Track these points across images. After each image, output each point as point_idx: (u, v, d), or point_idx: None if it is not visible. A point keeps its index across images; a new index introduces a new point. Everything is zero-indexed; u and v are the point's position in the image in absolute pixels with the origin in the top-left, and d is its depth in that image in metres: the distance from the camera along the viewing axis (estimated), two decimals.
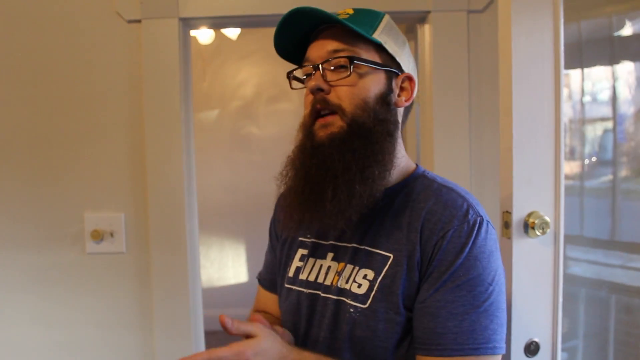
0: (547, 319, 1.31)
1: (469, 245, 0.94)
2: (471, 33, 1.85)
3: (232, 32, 3.83)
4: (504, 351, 0.95)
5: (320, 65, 1.01)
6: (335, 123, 0.99)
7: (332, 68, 1.01)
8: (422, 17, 1.91)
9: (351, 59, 0.99)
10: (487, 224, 0.98)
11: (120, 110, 1.87)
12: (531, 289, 1.29)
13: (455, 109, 1.86)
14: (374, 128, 0.99)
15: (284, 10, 1.79)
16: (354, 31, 0.99)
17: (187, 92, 1.95)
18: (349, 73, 0.99)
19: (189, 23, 1.90)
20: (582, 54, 1.95)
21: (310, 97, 1.03)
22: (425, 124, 1.96)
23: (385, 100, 1.03)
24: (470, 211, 0.98)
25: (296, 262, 1.14)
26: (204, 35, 3.78)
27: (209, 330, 2.08)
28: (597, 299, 1.96)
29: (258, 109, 4.42)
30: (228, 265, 4.53)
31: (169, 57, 1.84)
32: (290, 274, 1.14)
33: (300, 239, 1.16)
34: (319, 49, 1.02)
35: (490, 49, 1.82)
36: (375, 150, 0.99)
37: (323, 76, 1.01)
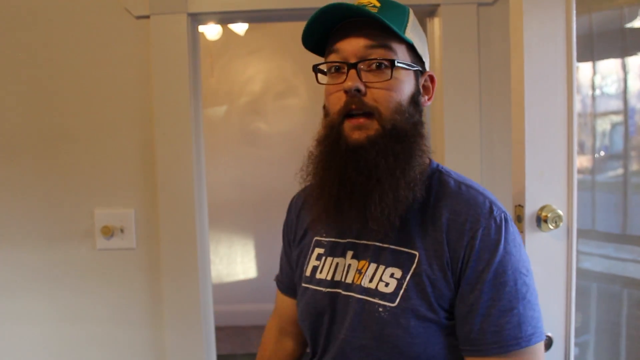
0: (560, 314, 1.31)
1: (502, 241, 0.96)
2: (481, 26, 1.83)
3: (240, 28, 3.83)
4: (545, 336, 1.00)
5: (356, 65, 0.98)
6: (372, 126, 0.97)
7: (370, 69, 0.99)
8: (431, 10, 1.89)
9: (393, 63, 0.97)
10: (509, 217, 1.00)
11: (129, 106, 1.87)
12: (544, 283, 1.28)
13: (466, 103, 1.85)
14: (409, 131, 0.99)
15: (292, 4, 1.79)
16: (386, 26, 0.96)
17: (197, 87, 1.95)
18: (389, 77, 0.98)
19: (197, 18, 1.90)
20: (593, 46, 1.93)
21: (341, 95, 0.99)
22: (436, 117, 1.95)
23: (415, 101, 1.03)
24: (495, 208, 0.99)
25: (313, 262, 1.14)
26: (211, 31, 3.78)
27: (219, 326, 2.08)
28: (609, 294, 1.95)
29: (266, 104, 4.41)
30: (237, 261, 4.54)
31: (177, 52, 1.83)
32: (307, 273, 1.14)
33: (316, 238, 1.16)
34: (353, 45, 0.99)
35: (501, 42, 1.81)
36: (414, 154, 1.00)
37: (359, 76, 0.98)
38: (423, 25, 2.20)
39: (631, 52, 1.91)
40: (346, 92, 0.97)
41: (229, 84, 4.41)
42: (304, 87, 4.35)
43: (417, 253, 0.99)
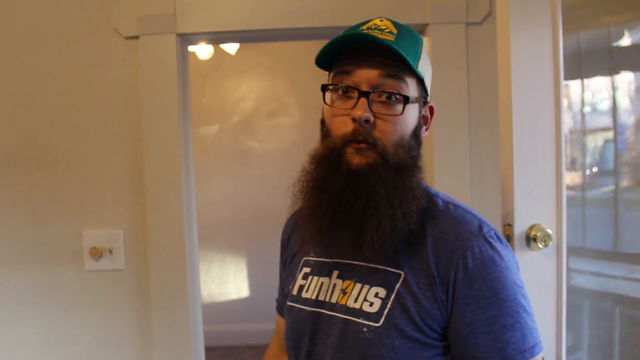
0: (551, 332, 1.30)
1: (496, 257, 0.96)
2: (470, 45, 1.83)
3: (231, 47, 3.84)
4: None
5: (369, 94, 0.97)
6: (372, 154, 0.97)
7: (381, 99, 0.98)
8: (420, 30, 1.90)
9: (406, 98, 0.97)
10: (500, 234, 1.01)
11: (118, 126, 1.86)
12: (535, 301, 1.27)
13: (454, 122, 1.84)
14: (408, 165, 0.99)
15: (282, 24, 1.79)
16: (402, 58, 0.95)
17: (186, 107, 1.94)
18: (400, 112, 0.97)
19: (186, 39, 1.90)
20: (581, 64, 1.95)
21: (348, 120, 0.97)
22: (425, 137, 1.93)
23: (417, 134, 1.03)
24: (484, 225, 0.99)
25: (299, 281, 1.13)
26: (203, 50, 3.79)
27: (211, 346, 2.07)
28: (602, 311, 1.95)
29: (258, 123, 4.42)
30: (229, 281, 4.51)
31: (167, 72, 1.83)
32: (294, 292, 1.13)
33: (305, 258, 1.15)
34: (367, 72, 0.97)
35: (490, 62, 1.81)
36: (412, 187, 0.99)
37: (369, 105, 0.97)
38: None
39: (619, 70, 1.93)
40: (354, 120, 0.96)
41: (220, 103, 4.42)
42: (296, 106, 4.36)
43: (402, 272, 0.98)
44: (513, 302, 0.95)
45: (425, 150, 1.90)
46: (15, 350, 1.88)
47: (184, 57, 1.93)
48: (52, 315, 1.87)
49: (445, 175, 1.84)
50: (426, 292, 0.96)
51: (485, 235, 0.97)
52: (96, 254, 1.83)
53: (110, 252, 1.84)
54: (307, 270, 1.13)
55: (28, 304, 1.87)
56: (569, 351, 1.78)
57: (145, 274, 1.86)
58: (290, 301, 1.13)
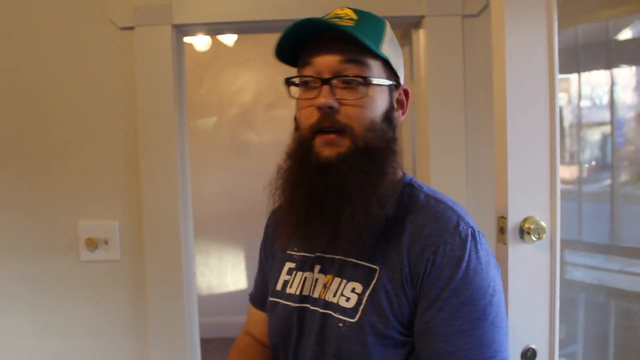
0: (544, 325, 1.30)
1: (465, 258, 0.93)
2: (466, 38, 1.83)
3: (229, 39, 3.83)
4: None
5: (330, 81, 0.96)
6: (343, 143, 0.96)
7: (344, 85, 0.97)
8: (417, 22, 1.90)
9: (367, 80, 0.96)
10: (479, 234, 0.97)
11: (114, 117, 1.86)
12: (527, 295, 1.28)
13: (451, 114, 1.84)
14: (381, 149, 0.98)
15: (280, 16, 1.79)
16: (359, 41, 0.94)
17: (182, 99, 1.94)
18: (363, 95, 0.96)
19: (182, 30, 1.89)
20: (579, 58, 1.94)
21: (313, 110, 0.97)
22: (421, 129, 1.94)
23: (389, 117, 1.01)
24: (461, 223, 0.96)
25: (284, 276, 1.12)
26: (200, 42, 3.78)
27: (207, 338, 2.07)
28: (597, 304, 1.95)
29: (256, 115, 4.41)
30: (227, 272, 4.52)
31: (162, 64, 1.82)
32: (278, 287, 1.12)
33: (288, 252, 1.14)
34: (327, 60, 0.97)
35: (486, 54, 1.81)
36: (386, 171, 0.98)
37: (332, 92, 0.96)
38: (408, 37, 2.21)
39: (617, 64, 1.92)
40: (319, 108, 0.96)
41: (218, 94, 4.41)
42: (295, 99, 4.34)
43: (377, 267, 0.97)
44: (474, 308, 0.91)
45: (421, 142, 1.92)
46: (9, 341, 1.89)
47: (180, 48, 1.93)
48: (47, 305, 1.88)
49: (441, 167, 1.85)
50: (398, 288, 0.95)
51: (461, 233, 0.94)
52: (92, 244, 1.83)
53: (106, 242, 1.85)
54: (291, 265, 1.12)
55: (23, 294, 1.88)
56: (564, 343, 1.78)
57: (140, 265, 1.86)
58: (274, 297, 1.12)
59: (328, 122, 0.96)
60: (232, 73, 4.38)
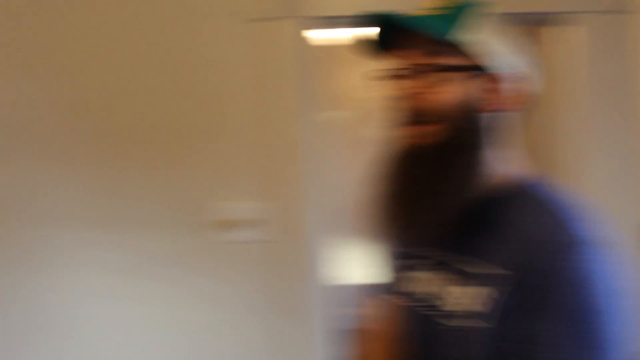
0: None
1: (568, 268, 0.84)
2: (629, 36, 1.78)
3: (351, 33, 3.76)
4: None
5: (413, 70, 0.96)
6: (429, 133, 0.95)
7: (424, 73, 0.95)
8: (572, 18, 1.83)
9: (445, 68, 0.94)
10: (589, 244, 0.87)
11: (245, 106, 1.94)
12: None
13: (612, 112, 1.81)
14: (465, 139, 0.95)
15: (406, 6, 1.73)
16: (432, 31, 0.93)
17: (309, 91, 1.97)
18: (439, 85, 0.95)
19: (308, 23, 1.92)
20: None
21: (394, 102, 0.99)
22: (574, 131, 1.90)
23: (470, 107, 0.96)
24: (577, 228, 0.87)
25: (402, 273, 1.12)
26: (323, 35, 3.75)
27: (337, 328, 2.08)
28: None
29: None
30: (356, 265, 4.52)
31: (286, 56, 1.88)
32: (398, 284, 1.12)
33: (402, 249, 1.14)
34: (410, 49, 0.97)
35: None
36: (469, 163, 0.96)
37: (416, 81, 0.96)
38: (565, 33, 2.06)
39: None
40: (399, 99, 0.97)
41: (348, 88, 4.38)
42: None
43: (498, 271, 0.90)
44: (572, 328, 0.82)
45: (581, 141, 1.85)
46: (153, 308, 2.03)
47: (305, 41, 1.95)
48: (190, 278, 2.01)
49: (603, 167, 1.82)
50: (495, 290, 0.89)
51: (573, 239, 0.86)
52: (227, 225, 1.94)
53: (244, 224, 1.95)
54: (402, 262, 1.13)
55: (159, 269, 2.00)
56: None
57: (281, 247, 1.97)
58: (394, 293, 1.13)
59: (415, 112, 0.96)
60: (355, 68, 4.33)
